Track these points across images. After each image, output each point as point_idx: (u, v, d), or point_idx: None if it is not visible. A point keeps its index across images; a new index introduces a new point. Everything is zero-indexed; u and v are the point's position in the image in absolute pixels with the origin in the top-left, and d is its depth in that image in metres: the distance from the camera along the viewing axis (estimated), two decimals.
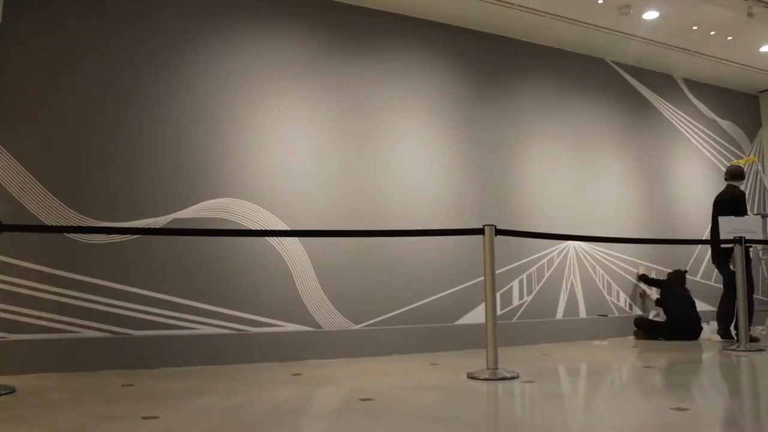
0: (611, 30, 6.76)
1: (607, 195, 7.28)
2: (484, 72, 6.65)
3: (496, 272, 6.21)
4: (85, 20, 4.87)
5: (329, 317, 5.42)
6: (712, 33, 6.89)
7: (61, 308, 4.51)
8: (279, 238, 5.26)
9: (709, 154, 8.38)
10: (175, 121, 5.07)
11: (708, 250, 7.80)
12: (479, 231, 4.26)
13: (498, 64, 6.76)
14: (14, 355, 4.27)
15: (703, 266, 7.93)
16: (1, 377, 4.04)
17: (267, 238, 5.22)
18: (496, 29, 6.69)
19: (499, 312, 6.22)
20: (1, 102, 4.54)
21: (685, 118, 8.22)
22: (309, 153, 5.57)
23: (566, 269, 6.75)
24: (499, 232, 4.30)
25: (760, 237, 6.10)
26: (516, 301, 6.39)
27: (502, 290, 6.30)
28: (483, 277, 4.32)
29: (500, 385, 3.86)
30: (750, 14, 6.24)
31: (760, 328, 7.39)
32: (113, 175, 4.82)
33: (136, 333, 4.70)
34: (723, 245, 6.15)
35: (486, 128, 6.55)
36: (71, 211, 4.64)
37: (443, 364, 4.89)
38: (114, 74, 4.92)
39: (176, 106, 5.09)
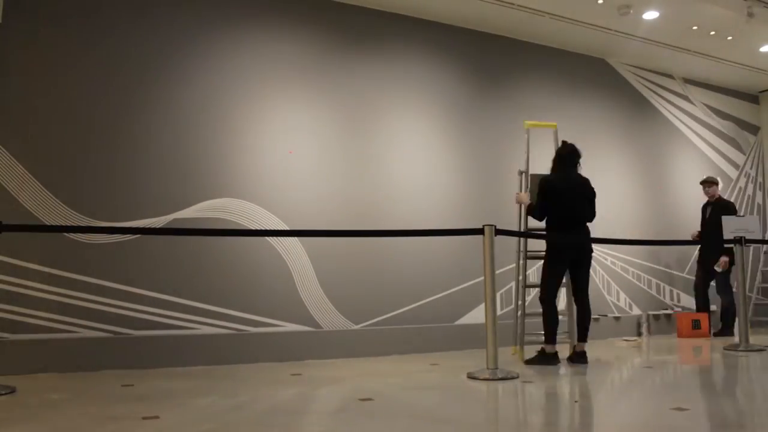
0: (611, 30, 6.76)
1: (607, 195, 7.27)
2: (485, 72, 6.65)
3: (496, 272, 6.21)
4: (84, 20, 4.86)
5: (329, 317, 5.42)
6: (712, 33, 6.89)
7: (61, 308, 4.51)
8: (279, 238, 5.26)
9: (709, 154, 8.37)
10: (175, 120, 5.07)
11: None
12: (479, 231, 4.26)
13: (498, 64, 6.76)
14: (14, 355, 4.27)
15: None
16: (1, 377, 4.03)
17: (267, 237, 5.21)
18: (496, 29, 6.69)
19: (499, 312, 6.22)
20: (1, 101, 4.54)
21: (685, 118, 8.22)
22: (309, 153, 5.57)
23: None
24: (499, 232, 4.30)
25: (759, 237, 6.12)
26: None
27: (502, 290, 6.29)
28: (483, 277, 4.31)
29: (500, 385, 3.86)
30: (750, 14, 6.25)
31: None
32: (113, 174, 4.81)
33: (136, 333, 4.70)
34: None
35: (486, 128, 6.55)
36: (71, 211, 4.64)
37: (443, 364, 4.89)
38: (113, 74, 4.92)
39: (176, 106, 5.09)
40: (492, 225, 4.23)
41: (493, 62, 6.73)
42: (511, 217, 6.50)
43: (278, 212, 5.33)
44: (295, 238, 5.32)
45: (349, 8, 5.93)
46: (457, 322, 5.98)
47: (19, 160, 4.53)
